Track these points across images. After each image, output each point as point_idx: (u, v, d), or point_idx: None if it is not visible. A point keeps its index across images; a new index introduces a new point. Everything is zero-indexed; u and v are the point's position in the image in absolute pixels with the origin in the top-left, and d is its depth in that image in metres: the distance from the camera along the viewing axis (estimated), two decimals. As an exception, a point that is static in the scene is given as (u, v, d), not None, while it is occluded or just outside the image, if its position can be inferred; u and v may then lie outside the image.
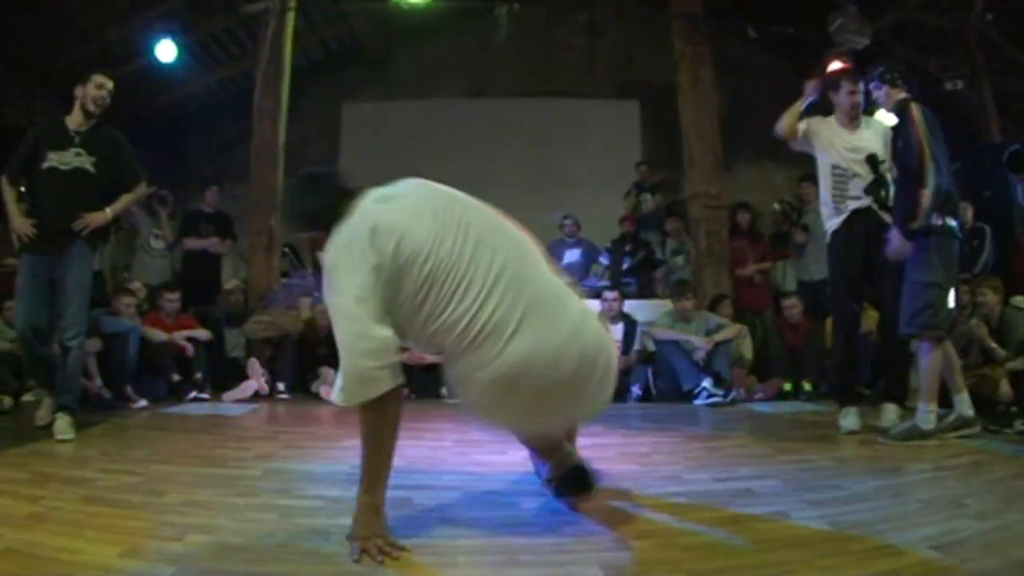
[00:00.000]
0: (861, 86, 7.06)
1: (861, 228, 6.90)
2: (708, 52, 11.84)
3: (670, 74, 12.28)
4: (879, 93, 6.55)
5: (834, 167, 7.05)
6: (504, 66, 16.29)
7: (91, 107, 6.66)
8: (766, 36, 13.80)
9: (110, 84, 6.76)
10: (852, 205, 6.93)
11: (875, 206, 6.85)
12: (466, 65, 16.59)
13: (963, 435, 6.06)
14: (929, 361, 6.07)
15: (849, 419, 6.82)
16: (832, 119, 7.25)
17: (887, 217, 6.74)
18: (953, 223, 6.11)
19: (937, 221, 6.03)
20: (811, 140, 7.27)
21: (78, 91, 6.70)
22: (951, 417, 6.20)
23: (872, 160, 6.85)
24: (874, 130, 7.09)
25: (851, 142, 7.04)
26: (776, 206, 12.74)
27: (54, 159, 6.56)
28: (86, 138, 6.68)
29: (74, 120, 6.71)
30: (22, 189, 6.80)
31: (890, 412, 6.83)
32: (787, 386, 9.70)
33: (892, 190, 6.80)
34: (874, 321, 7.99)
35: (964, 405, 6.25)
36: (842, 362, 7.32)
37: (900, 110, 6.35)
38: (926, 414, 5.98)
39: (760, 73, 15.26)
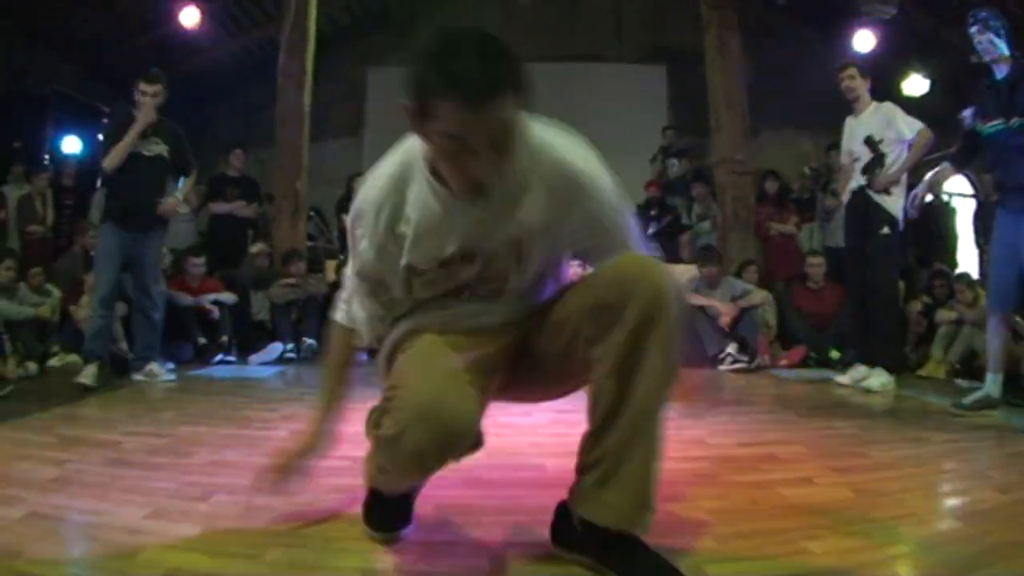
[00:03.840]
0: (854, 71, 7.60)
1: (853, 210, 7.54)
2: (735, 17, 11.77)
3: (697, 39, 12.23)
4: (981, 38, 6.26)
5: (852, 158, 7.64)
6: (530, 30, 16.16)
7: (145, 115, 7.42)
8: (794, 2, 13.73)
9: (151, 88, 7.46)
10: (852, 185, 7.54)
11: (864, 182, 7.29)
12: (491, 29, 16.28)
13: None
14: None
15: (874, 379, 7.29)
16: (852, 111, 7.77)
17: (878, 198, 7.28)
18: None
19: None
20: (846, 142, 7.89)
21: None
22: (979, 395, 6.20)
23: (869, 140, 7.12)
24: (876, 112, 7.52)
25: (854, 126, 7.63)
26: (806, 170, 12.73)
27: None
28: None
29: None
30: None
31: (876, 376, 7.26)
32: (833, 353, 9.67)
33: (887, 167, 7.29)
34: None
35: (996, 387, 6.23)
36: (856, 325, 7.85)
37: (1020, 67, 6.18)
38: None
39: (788, 39, 15.19)
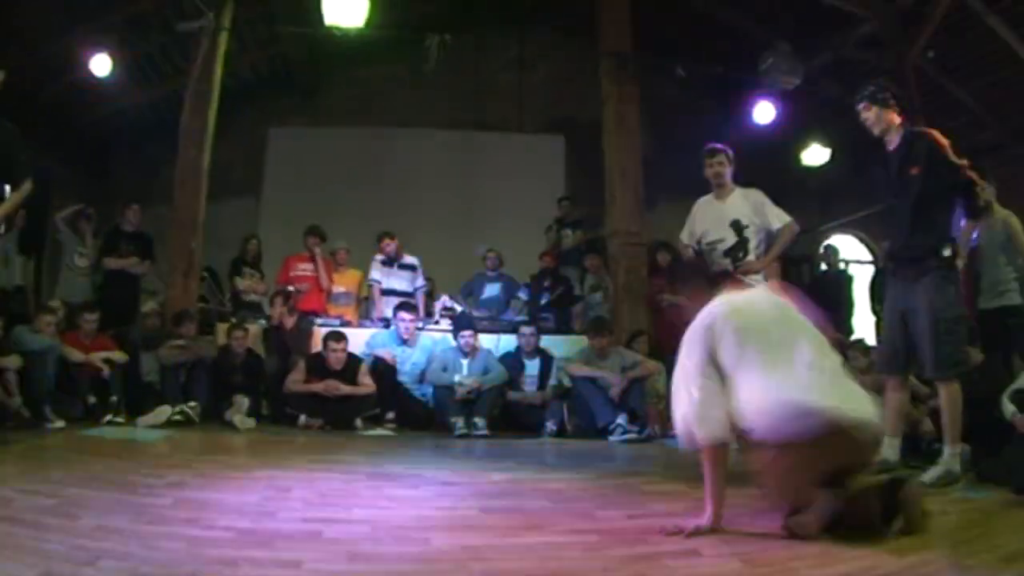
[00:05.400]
0: (724, 158, 7.78)
1: None
2: (635, 91, 11.93)
3: (597, 110, 12.36)
4: (867, 115, 6.36)
5: (703, 241, 7.78)
6: (433, 98, 16.36)
7: None
8: (695, 76, 13.94)
9: None
10: (716, 270, 7.38)
11: (731, 269, 7.34)
12: (396, 95, 16.60)
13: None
14: (954, 398, 6.04)
15: None
16: (711, 195, 7.94)
17: (750, 281, 7.14)
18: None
19: (948, 253, 6.09)
20: (695, 224, 8.00)
21: None
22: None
23: (736, 225, 7.32)
24: (744, 198, 7.73)
25: (719, 210, 7.71)
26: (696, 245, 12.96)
27: None
28: None
29: None
30: None
31: None
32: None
33: (751, 252, 7.52)
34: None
35: (893, 451, 6.29)
36: None
37: (915, 134, 6.27)
38: (956, 457, 5.98)
39: (688, 112, 15.45)
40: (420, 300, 12.17)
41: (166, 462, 6.64)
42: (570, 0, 15.52)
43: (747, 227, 7.50)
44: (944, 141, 6.06)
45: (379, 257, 12.20)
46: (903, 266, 6.35)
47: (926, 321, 6.05)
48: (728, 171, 7.80)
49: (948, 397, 6.06)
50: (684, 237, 8.10)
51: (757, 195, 7.75)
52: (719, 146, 7.97)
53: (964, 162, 6.00)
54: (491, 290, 12.76)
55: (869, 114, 6.37)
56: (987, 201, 7.93)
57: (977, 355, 7.42)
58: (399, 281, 12.20)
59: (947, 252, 6.05)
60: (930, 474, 5.92)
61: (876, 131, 6.41)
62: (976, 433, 6.59)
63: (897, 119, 6.31)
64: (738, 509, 4.70)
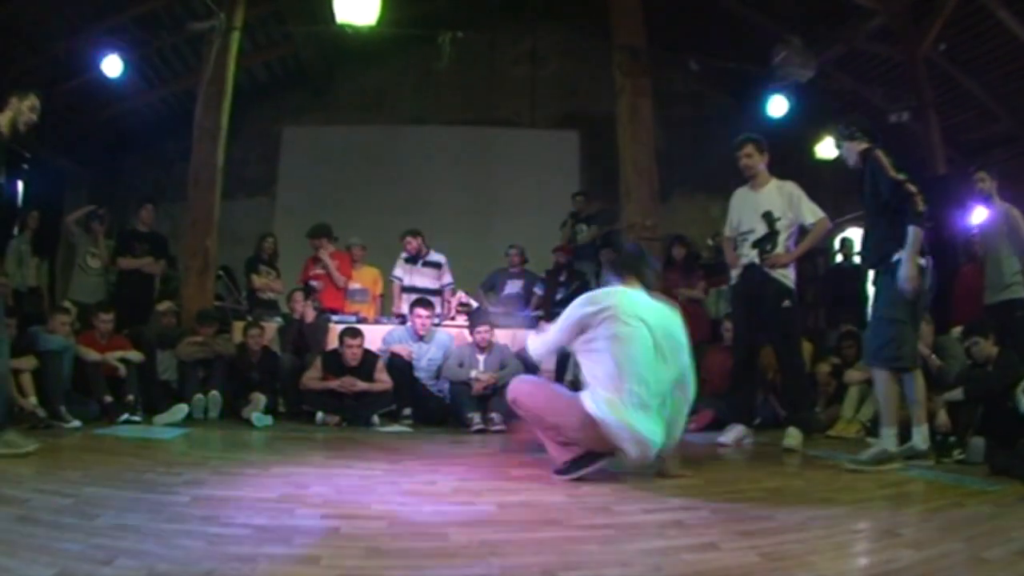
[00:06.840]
0: (751, 148, 7.82)
1: (747, 284, 7.77)
2: (648, 84, 11.84)
3: (610, 105, 12.30)
4: (840, 151, 6.90)
5: (737, 230, 7.94)
6: (446, 94, 16.37)
7: (21, 128, 6.40)
8: (708, 69, 13.90)
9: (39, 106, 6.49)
10: (744, 261, 7.74)
11: (758, 260, 7.58)
12: (408, 92, 16.68)
13: (915, 464, 6.33)
14: (885, 389, 6.40)
15: (729, 435, 7.81)
16: (747, 185, 8.03)
17: (774, 273, 7.57)
18: (921, 261, 6.31)
19: (896, 259, 6.29)
20: (732, 215, 8.18)
21: (12, 103, 6.38)
22: (903, 446, 6.40)
23: (768, 216, 7.35)
24: (779, 190, 7.78)
25: (753, 200, 7.80)
26: (710, 241, 12.90)
27: None
28: None
29: None
30: None
31: (792, 436, 7.52)
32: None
33: (779, 245, 7.61)
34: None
35: (920, 437, 6.49)
36: (733, 386, 8.17)
37: (867, 158, 6.58)
38: (890, 437, 6.28)
39: (701, 105, 15.43)
40: (447, 297, 12.24)
41: (183, 460, 6.62)
42: (582, -6, 15.50)
43: (779, 219, 7.60)
44: (884, 162, 6.45)
45: (403, 254, 12.25)
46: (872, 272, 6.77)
47: (871, 316, 6.68)
48: (758, 161, 7.86)
49: (877, 381, 6.56)
50: (726, 230, 8.25)
51: (793, 188, 7.81)
52: (746, 136, 8.00)
53: (901, 178, 6.34)
54: (513, 287, 12.77)
55: (842, 150, 6.93)
56: (987, 192, 8.14)
57: (991, 348, 7.45)
58: (422, 278, 12.22)
59: (895, 258, 6.33)
60: (866, 453, 6.26)
61: (851, 162, 6.87)
62: (990, 426, 6.64)
63: (864, 146, 6.72)
64: (757, 502, 4.70)
